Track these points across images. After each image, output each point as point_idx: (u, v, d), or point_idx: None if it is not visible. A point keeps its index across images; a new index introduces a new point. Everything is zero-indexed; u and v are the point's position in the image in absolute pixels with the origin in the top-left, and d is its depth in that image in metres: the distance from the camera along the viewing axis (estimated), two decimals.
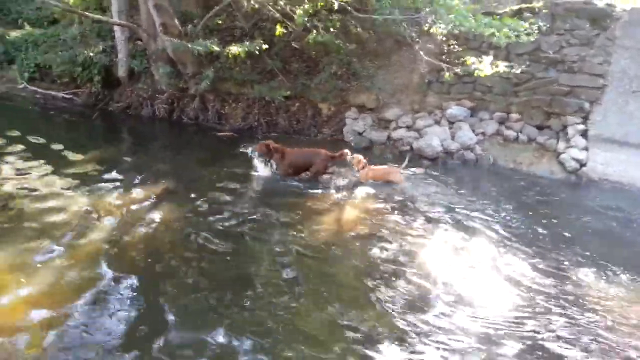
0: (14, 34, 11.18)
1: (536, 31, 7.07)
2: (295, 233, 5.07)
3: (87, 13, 9.98)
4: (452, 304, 3.92)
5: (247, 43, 8.01)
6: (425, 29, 8.20)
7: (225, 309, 3.67)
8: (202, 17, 9.40)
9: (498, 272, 4.49)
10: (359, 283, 4.20)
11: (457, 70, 7.65)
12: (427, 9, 8.06)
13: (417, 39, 8.73)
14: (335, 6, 8.00)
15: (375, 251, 4.77)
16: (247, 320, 3.57)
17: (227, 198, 5.89)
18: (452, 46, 8.72)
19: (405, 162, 6.79)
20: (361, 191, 6.37)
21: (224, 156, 7.51)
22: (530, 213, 6.04)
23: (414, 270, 4.43)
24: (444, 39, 8.51)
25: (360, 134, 8.58)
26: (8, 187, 5.68)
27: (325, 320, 3.65)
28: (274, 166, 6.68)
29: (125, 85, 10.23)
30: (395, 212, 5.76)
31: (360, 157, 6.58)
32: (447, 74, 7.75)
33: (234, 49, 8.00)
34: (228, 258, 4.51)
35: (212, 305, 3.72)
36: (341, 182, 6.66)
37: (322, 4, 8.03)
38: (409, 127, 8.41)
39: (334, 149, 7.83)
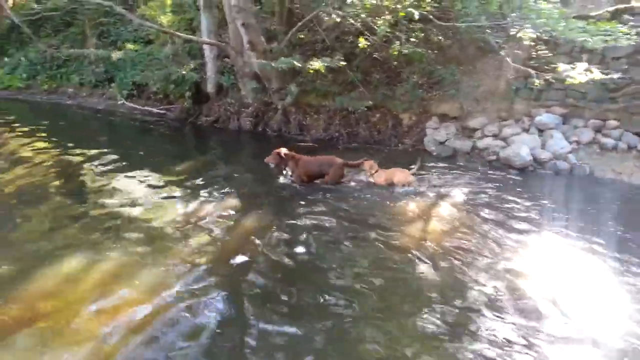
0: (114, 54, 12.50)
1: (635, 36, 6.82)
2: (381, 242, 5.31)
3: (179, 33, 11.04)
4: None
5: (328, 59, 8.44)
6: (512, 34, 8.21)
7: (309, 321, 3.98)
8: (286, 33, 10.03)
9: (616, 292, 4.38)
10: (444, 301, 4.29)
11: (547, 76, 7.56)
12: (515, 14, 8.09)
13: (504, 45, 8.70)
14: (416, 16, 8.22)
15: (462, 265, 4.86)
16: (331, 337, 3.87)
17: (311, 207, 6.28)
18: (541, 51, 8.57)
19: (418, 164, 7.00)
20: (445, 201, 6.49)
21: None
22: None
23: (511, 292, 4.41)
24: (533, 44, 8.41)
25: (442, 143, 8.68)
26: (110, 196, 6.54)
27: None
28: (289, 173, 6.97)
29: (213, 100, 11.14)
30: (485, 224, 5.80)
31: (372, 162, 6.85)
32: (536, 80, 7.68)
33: (315, 64, 8.45)
34: (312, 266, 4.87)
35: (295, 312, 4.08)
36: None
37: (403, 14, 8.28)
38: (495, 136, 8.39)
39: (414, 159, 8.06)
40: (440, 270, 4.74)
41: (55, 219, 5.79)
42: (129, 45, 12.98)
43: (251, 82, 10.01)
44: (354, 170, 7.26)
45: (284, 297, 4.29)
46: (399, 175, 6.81)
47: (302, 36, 10.83)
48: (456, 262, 4.89)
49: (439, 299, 4.25)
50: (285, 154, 6.80)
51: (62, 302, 4.14)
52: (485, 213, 6.10)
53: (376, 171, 6.84)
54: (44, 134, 9.93)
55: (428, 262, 4.90)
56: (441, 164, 8.18)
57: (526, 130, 8.34)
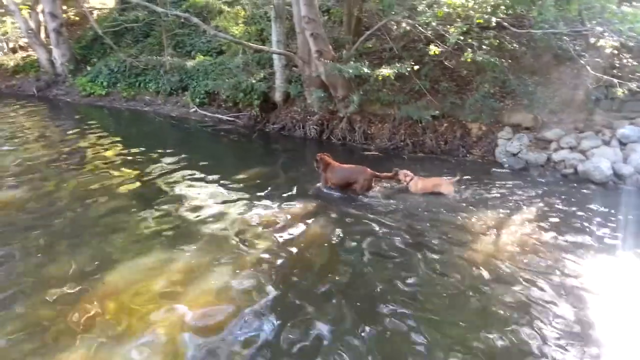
0: (189, 64, 13.24)
1: None
2: (449, 256, 5.31)
3: (250, 44, 11.53)
4: None
5: (398, 65, 8.46)
6: (593, 41, 7.88)
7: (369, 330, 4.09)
8: (354, 42, 10.20)
9: None
10: (511, 321, 4.24)
11: (632, 85, 7.18)
12: (595, 21, 7.78)
13: (583, 53, 8.36)
14: (493, 22, 8.10)
15: (531, 285, 4.76)
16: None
17: (374, 215, 6.41)
18: (625, 59, 8.15)
19: (458, 177, 7.09)
20: (518, 215, 6.34)
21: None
22: None
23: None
24: (615, 51, 8.01)
25: (514, 155, 8.44)
26: (181, 199, 7.00)
27: None
28: (322, 178, 7.36)
29: (280, 108, 11.54)
30: (559, 241, 5.63)
31: (406, 170, 7.15)
32: (618, 90, 7.33)
33: (384, 71, 8.51)
34: (373, 275, 4.99)
35: (353, 319, 4.22)
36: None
37: (480, 20, 8.17)
38: (572, 148, 8.06)
39: (484, 170, 7.93)
40: (508, 288, 4.68)
41: (129, 220, 6.31)
42: (202, 56, 13.69)
43: (317, 91, 10.25)
44: (394, 180, 7.38)
45: (344, 304, 4.42)
46: (446, 186, 7.00)
47: (370, 45, 10.97)
48: (525, 281, 4.82)
49: (505, 318, 4.21)
50: (320, 157, 7.27)
51: (137, 299, 4.53)
52: (561, 230, 5.94)
53: (411, 179, 7.06)
54: (122, 139, 10.77)
55: (496, 278, 4.86)
56: (513, 177, 7.99)
57: (607, 143, 7.95)
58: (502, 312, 4.31)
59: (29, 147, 10.08)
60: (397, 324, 4.13)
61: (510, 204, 6.76)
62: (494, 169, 8.45)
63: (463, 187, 7.26)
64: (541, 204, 6.73)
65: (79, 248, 5.50)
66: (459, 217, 6.30)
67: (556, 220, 6.22)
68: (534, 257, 5.25)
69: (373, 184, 7.19)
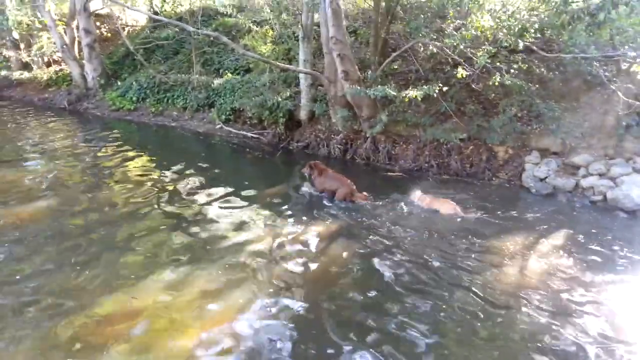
0: (216, 81, 13.57)
1: None
2: (470, 279, 5.30)
3: (277, 63, 11.77)
4: None
5: (425, 87, 8.53)
6: (625, 67, 7.84)
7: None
8: (380, 62, 10.34)
9: None
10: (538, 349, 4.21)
11: None
12: (628, 46, 7.75)
13: (614, 78, 8.31)
14: (520, 46, 8.13)
15: (557, 312, 4.72)
16: None
17: (395, 237, 6.45)
18: None
19: (474, 214, 7.28)
20: (547, 241, 6.29)
21: (391, 194, 8.04)
22: None
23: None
24: None
25: (542, 179, 8.38)
26: (206, 215, 7.17)
27: None
28: (315, 183, 8.22)
29: (305, 126, 11.71)
30: (587, 270, 5.56)
31: (419, 191, 7.72)
32: None
33: (412, 92, 8.58)
34: (396, 296, 5.01)
35: (375, 340, 4.26)
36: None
37: (506, 43, 8.22)
38: (601, 175, 7.96)
39: (511, 194, 7.90)
40: (535, 315, 4.65)
41: (151, 236, 6.47)
42: (229, 74, 14.02)
43: (342, 110, 10.39)
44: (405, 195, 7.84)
45: (367, 323, 4.46)
46: (448, 206, 7.27)
47: (396, 66, 11.10)
48: (552, 307, 4.76)
49: (532, 345, 4.17)
50: (314, 164, 8.25)
51: (158, 316, 4.63)
52: (588, 258, 5.86)
53: (419, 197, 7.52)
54: (149, 154, 11.11)
55: (522, 306, 4.81)
56: (540, 202, 7.93)
57: (638, 171, 7.83)
58: (525, 338, 4.28)
59: (58, 159, 10.43)
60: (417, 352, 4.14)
61: (538, 230, 6.72)
62: (520, 194, 8.40)
63: (479, 213, 7.25)
64: (569, 231, 6.66)
65: (100, 261, 5.66)
66: (484, 241, 6.27)
67: (584, 248, 6.16)
68: (560, 285, 5.20)
69: (350, 198, 7.75)
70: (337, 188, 7.87)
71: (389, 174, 9.71)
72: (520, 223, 6.94)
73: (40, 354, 4.06)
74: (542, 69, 9.06)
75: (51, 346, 4.15)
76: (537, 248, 6.12)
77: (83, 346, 4.15)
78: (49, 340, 4.23)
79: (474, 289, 5.10)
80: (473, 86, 9.81)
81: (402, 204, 7.51)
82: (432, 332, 4.35)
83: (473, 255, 5.87)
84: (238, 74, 14.32)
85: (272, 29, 13.60)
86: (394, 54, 10.28)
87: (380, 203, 7.66)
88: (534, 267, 5.62)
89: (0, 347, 4.12)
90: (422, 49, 10.61)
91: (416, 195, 7.63)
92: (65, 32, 18.24)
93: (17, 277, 5.26)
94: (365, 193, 7.90)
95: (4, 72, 20.29)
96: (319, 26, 10.69)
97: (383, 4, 10.39)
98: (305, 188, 8.46)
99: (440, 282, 5.25)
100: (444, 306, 4.79)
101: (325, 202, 7.80)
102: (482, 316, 4.61)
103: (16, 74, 19.92)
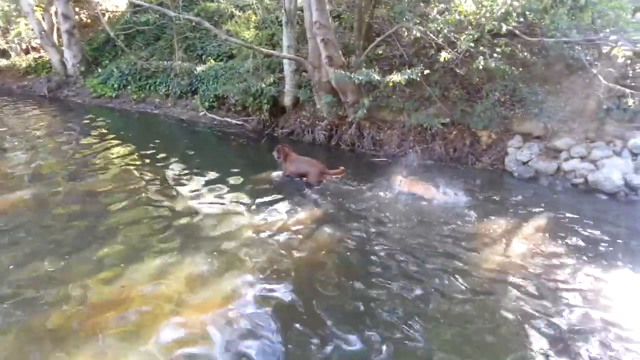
0: (199, 68, 13.40)
1: None
2: (459, 264, 5.35)
3: (261, 48, 11.64)
4: None
5: (409, 71, 8.51)
6: (605, 50, 7.90)
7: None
8: (364, 47, 10.29)
9: None
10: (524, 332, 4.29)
11: None
12: (609, 29, 7.80)
13: (595, 62, 8.38)
14: (504, 30, 8.14)
15: (543, 293, 4.81)
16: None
17: (381, 222, 6.49)
18: (638, 69, 8.15)
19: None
20: (528, 224, 6.37)
21: (375, 180, 8.06)
22: None
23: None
24: (628, 61, 8.02)
25: (524, 163, 8.47)
26: (191, 204, 7.09)
27: None
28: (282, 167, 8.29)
29: (290, 113, 11.65)
30: (569, 251, 5.67)
31: (399, 176, 7.70)
32: (630, 100, 7.34)
33: (395, 77, 8.56)
34: (384, 281, 5.06)
35: (364, 326, 4.32)
36: None
37: (489, 27, 8.23)
38: (582, 158, 8.07)
39: (494, 178, 7.96)
40: (516, 298, 4.71)
41: (136, 223, 6.41)
42: (212, 61, 13.84)
43: (327, 96, 10.34)
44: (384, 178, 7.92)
45: (354, 310, 4.49)
46: (428, 191, 7.35)
47: (380, 51, 11.06)
48: (536, 290, 4.84)
49: (522, 328, 4.25)
50: (280, 148, 8.25)
51: (144, 304, 4.61)
52: (570, 239, 5.96)
53: (401, 180, 7.55)
54: (132, 141, 10.92)
55: (504, 287, 4.88)
56: (523, 185, 8.02)
57: (618, 154, 7.95)
58: (511, 319, 4.35)
59: (39, 148, 10.25)
60: (403, 336, 4.20)
61: (520, 213, 6.80)
62: (503, 178, 8.49)
63: (456, 194, 7.33)
64: (551, 214, 6.76)
65: (85, 251, 5.59)
66: (468, 225, 6.34)
67: (566, 230, 6.25)
68: (542, 267, 5.28)
69: (323, 179, 7.81)
70: (307, 171, 7.87)
71: (374, 159, 9.72)
72: (503, 206, 7.03)
73: (28, 343, 4.03)
74: (525, 53, 9.10)
75: (37, 337, 4.11)
76: (520, 231, 6.20)
77: (71, 335, 4.12)
78: (34, 332, 4.19)
79: (458, 273, 5.15)
80: (457, 71, 9.83)
81: (387, 189, 7.53)
82: (421, 317, 4.40)
83: (457, 240, 5.93)
84: (221, 60, 14.14)
85: (255, 14, 13.47)
86: (378, 39, 10.22)
87: (365, 188, 7.67)
88: (517, 250, 5.69)
89: None
90: (406, 33, 10.57)
91: (397, 179, 7.66)
92: (43, 18, 17.83)
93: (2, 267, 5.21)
94: (342, 167, 7.85)
95: None
96: (302, 11, 10.56)
97: None
98: (276, 173, 8.51)
99: (425, 267, 5.29)
100: (431, 291, 4.83)
101: (310, 188, 7.77)
102: (469, 300, 4.67)
103: None
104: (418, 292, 4.82)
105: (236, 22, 13.27)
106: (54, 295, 4.70)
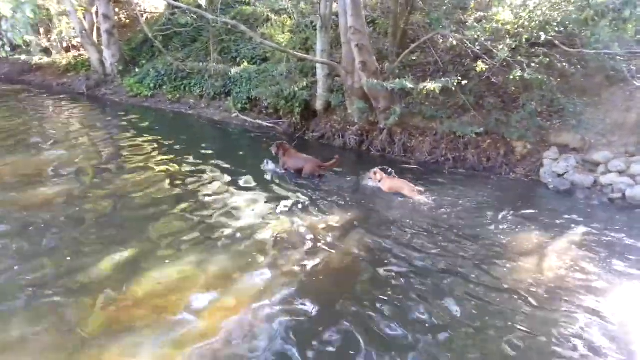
0: (233, 70, 13.62)
1: None
2: (486, 276, 5.30)
3: (295, 52, 11.77)
4: None
5: (444, 79, 8.47)
6: None
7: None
8: (399, 54, 10.29)
9: None
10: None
11: None
12: None
13: (638, 75, 8.18)
14: (542, 38, 8.03)
15: (570, 311, 4.71)
16: None
17: (410, 230, 6.48)
18: None
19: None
20: (562, 238, 6.27)
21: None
22: None
23: None
24: None
25: (560, 175, 8.31)
26: (220, 204, 7.26)
27: None
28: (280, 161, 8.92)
29: (321, 117, 11.74)
30: (603, 268, 5.55)
31: (377, 169, 8.00)
32: None
33: (429, 85, 8.54)
34: (407, 290, 5.07)
35: (384, 335, 4.32)
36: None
37: (527, 37, 8.13)
38: (621, 172, 7.87)
39: (528, 190, 7.87)
40: (549, 314, 4.66)
41: (166, 223, 6.60)
42: (246, 63, 14.06)
43: (359, 101, 10.37)
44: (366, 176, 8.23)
45: (375, 317, 4.51)
46: (401, 185, 7.66)
47: (414, 57, 11.03)
48: (566, 307, 4.76)
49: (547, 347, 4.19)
50: (280, 144, 9.02)
51: (169, 302, 4.73)
52: (605, 256, 5.82)
53: (381, 179, 7.75)
54: (165, 140, 11.21)
55: (537, 304, 4.83)
56: (558, 198, 7.88)
57: None
58: (544, 340, 4.30)
59: (76, 144, 10.63)
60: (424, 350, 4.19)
61: (555, 226, 6.68)
62: (538, 189, 8.36)
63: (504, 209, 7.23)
64: (586, 228, 6.62)
65: (114, 247, 5.77)
66: (500, 237, 6.27)
67: (601, 245, 6.11)
68: (577, 284, 5.19)
69: (319, 172, 8.47)
70: (303, 165, 8.52)
71: (405, 166, 9.69)
72: (537, 219, 6.91)
73: (61, 338, 4.19)
74: (564, 64, 8.93)
75: (69, 331, 4.28)
76: (554, 244, 6.11)
77: (102, 330, 4.28)
78: (68, 325, 4.36)
79: (490, 285, 5.11)
80: (493, 80, 9.73)
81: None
82: (451, 329, 4.39)
83: (489, 251, 5.88)
84: (255, 63, 14.35)
85: (290, 17, 13.61)
86: (412, 45, 10.22)
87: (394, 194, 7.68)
88: (550, 264, 5.60)
89: (16, 332, 4.24)
90: (441, 40, 10.53)
91: (371, 172, 8.02)
92: (84, 17, 18.41)
93: (37, 261, 5.42)
94: (336, 156, 8.51)
95: (23, 57, 20.60)
96: (337, 15, 10.63)
97: None
98: (268, 166, 9.12)
99: (457, 280, 5.27)
100: (463, 303, 4.81)
101: (342, 191, 7.89)
102: (498, 313, 4.64)
103: (35, 59, 20.22)
104: (447, 307, 4.78)
105: (271, 25, 13.44)
106: (91, 288, 4.89)
